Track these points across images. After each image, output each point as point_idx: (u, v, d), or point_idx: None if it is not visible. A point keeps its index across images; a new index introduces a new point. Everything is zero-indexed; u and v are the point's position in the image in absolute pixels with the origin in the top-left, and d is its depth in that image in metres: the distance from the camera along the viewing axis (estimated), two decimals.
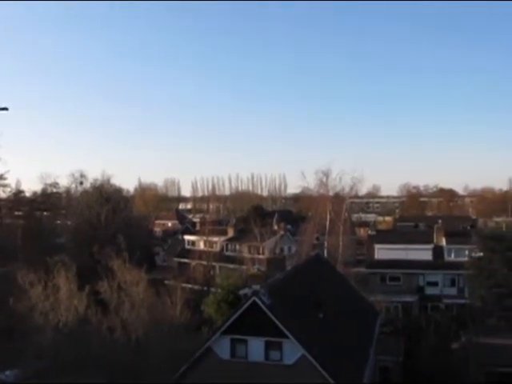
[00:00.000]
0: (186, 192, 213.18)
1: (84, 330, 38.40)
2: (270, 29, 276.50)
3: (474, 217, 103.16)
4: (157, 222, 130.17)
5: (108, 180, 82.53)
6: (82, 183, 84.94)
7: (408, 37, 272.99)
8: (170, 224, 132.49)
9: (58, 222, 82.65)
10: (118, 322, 38.32)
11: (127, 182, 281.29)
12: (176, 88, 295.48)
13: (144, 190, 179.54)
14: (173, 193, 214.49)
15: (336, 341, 28.29)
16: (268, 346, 25.53)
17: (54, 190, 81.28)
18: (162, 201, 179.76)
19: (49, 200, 79.65)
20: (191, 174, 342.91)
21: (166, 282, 63.38)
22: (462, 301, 58.51)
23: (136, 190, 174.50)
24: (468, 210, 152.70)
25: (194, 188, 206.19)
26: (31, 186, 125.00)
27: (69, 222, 79.75)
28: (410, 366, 38.94)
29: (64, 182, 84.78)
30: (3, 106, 77.72)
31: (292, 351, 24.91)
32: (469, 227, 74.18)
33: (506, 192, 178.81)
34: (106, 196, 75.76)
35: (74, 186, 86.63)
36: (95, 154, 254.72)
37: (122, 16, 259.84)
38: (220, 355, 26.12)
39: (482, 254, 52.41)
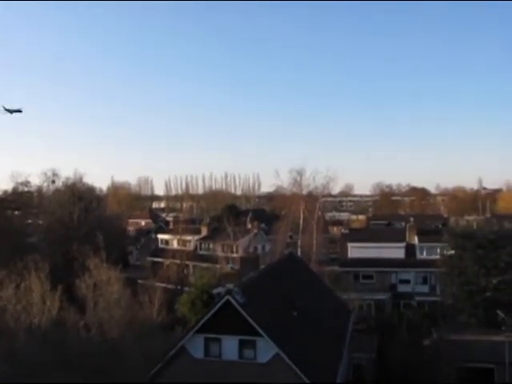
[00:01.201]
0: (160, 191, 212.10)
1: (58, 330, 37.90)
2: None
3: (445, 215, 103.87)
4: (130, 220, 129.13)
5: (80, 179, 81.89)
6: (54, 182, 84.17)
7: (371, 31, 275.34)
8: (143, 223, 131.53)
9: (30, 221, 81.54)
10: (93, 322, 37.97)
11: (100, 181, 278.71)
12: (149, 87, 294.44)
13: (117, 189, 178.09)
14: (146, 191, 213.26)
15: (310, 339, 28.42)
16: (242, 345, 25.55)
17: (26, 189, 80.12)
18: (135, 200, 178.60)
19: (20, 199, 78.43)
20: (165, 172, 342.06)
21: (139, 281, 63.17)
22: (434, 298, 59.17)
23: (109, 188, 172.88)
24: (440, 208, 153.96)
25: (168, 187, 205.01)
26: (2, 185, 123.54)
27: (40, 222, 78.71)
28: (383, 363, 39.29)
29: (36, 180, 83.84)
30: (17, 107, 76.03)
31: (266, 349, 24.96)
32: (440, 225, 74.81)
33: (477, 191, 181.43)
34: (78, 195, 75.04)
35: (45, 184, 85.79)
36: (68, 153, 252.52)
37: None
38: (194, 354, 26.07)
39: (453, 251, 53.01)
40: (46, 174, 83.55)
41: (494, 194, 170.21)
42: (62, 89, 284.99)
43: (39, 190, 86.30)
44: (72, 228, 68.94)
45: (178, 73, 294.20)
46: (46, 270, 41.60)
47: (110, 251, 44.70)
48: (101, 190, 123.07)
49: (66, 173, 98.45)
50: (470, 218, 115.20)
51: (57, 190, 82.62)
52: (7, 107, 72.90)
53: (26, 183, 79.15)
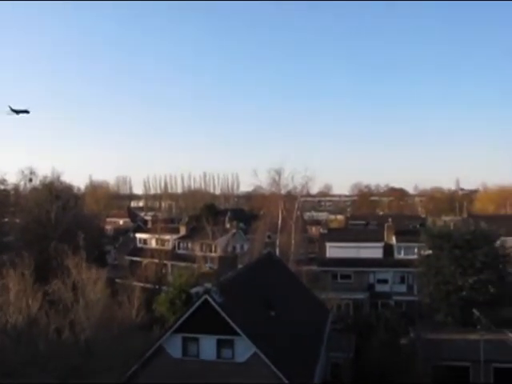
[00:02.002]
0: (138, 190, 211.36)
1: (33, 331, 37.46)
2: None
3: (423, 216, 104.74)
4: (108, 220, 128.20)
5: (58, 177, 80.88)
6: (31, 180, 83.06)
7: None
8: (121, 222, 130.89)
9: (6, 220, 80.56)
10: (70, 322, 37.58)
11: (78, 180, 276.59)
12: (125, 86, 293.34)
13: (95, 188, 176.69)
14: (124, 191, 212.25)
15: (287, 338, 28.47)
16: (220, 344, 25.51)
17: (2, 187, 79.12)
18: (113, 199, 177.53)
19: None
20: (143, 171, 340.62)
21: (117, 280, 62.76)
22: (411, 297, 59.63)
23: (87, 187, 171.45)
24: (418, 208, 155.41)
25: (146, 186, 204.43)
26: None
27: (17, 220, 77.81)
28: (361, 362, 39.47)
29: (13, 179, 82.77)
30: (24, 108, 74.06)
31: (244, 349, 24.96)
32: (418, 226, 75.30)
33: (454, 192, 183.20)
34: (55, 193, 74.18)
35: (22, 183, 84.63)
36: (45, 151, 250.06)
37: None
38: (172, 354, 25.96)
39: (430, 251, 53.46)
40: (23, 172, 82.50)
41: (470, 195, 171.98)
42: (36, 88, 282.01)
43: (16, 188, 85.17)
44: (49, 227, 68.17)
45: (155, 72, 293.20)
46: (29, 268, 41.09)
47: (87, 250, 44.34)
48: (79, 189, 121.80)
49: (44, 171, 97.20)
50: (448, 218, 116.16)
51: (34, 189, 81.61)
52: (14, 108, 71.39)
53: (3, 181, 78.16)
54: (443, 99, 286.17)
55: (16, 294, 39.50)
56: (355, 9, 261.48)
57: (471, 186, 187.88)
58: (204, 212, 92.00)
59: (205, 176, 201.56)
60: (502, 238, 54.03)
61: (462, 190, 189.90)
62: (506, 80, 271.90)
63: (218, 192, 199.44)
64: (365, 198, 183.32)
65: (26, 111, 73.67)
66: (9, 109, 71.15)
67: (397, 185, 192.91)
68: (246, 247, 74.78)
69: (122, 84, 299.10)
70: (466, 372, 37.43)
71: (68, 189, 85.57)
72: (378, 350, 38.71)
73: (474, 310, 48.42)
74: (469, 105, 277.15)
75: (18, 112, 72.00)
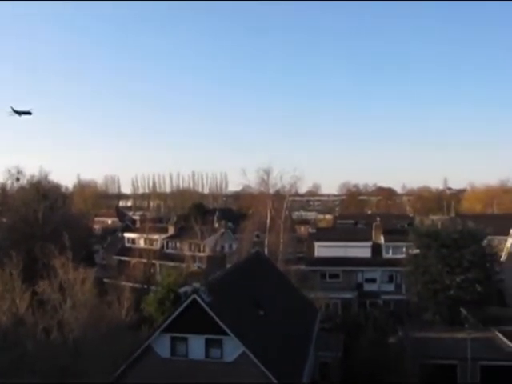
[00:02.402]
0: (126, 189, 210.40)
1: (20, 331, 37.22)
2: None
3: (411, 215, 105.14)
4: (96, 219, 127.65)
5: (46, 176, 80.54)
6: (18, 179, 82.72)
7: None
8: (109, 221, 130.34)
9: None
10: (57, 323, 37.39)
11: (66, 179, 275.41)
12: (113, 85, 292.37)
13: (83, 187, 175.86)
14: (113, 190, 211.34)
15: (276, 338, 28.49)
16: (208, 344, 25.50)
17: None
18: (101, 198, 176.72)
19: None
20: (131, 170, 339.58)
21: (105, 280, 62.57)
22: (400, 296, 59.82)
23: (75, 186, 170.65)
24: (406, 208, 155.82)
25: (135, 185, 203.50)
26: None
27: (4, 220, 77.38)
28: (349, 361, 39.57)
29: None
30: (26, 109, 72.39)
31: (232, 348, 24.96)
32: (406, 225, 75.54)
33: (442, 191, 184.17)
34: (43, 193, 73.83)
35: (9, 182, 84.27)
36: (33, 150, 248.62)
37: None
38: (160, 354, 25.93)
39: (418, 251, 53.60)
40: (9, 171, 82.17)
41: (458, 194, 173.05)
42: (23, 86, 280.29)
43: (3, 187, 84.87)
44: (36, 226, 67.83)
45: (142, 71, 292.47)
46: (16, 268, 40.81)
47: (75, 250, 44.14)
48: (66, 188, 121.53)
49: (31, 170, 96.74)
50: (435, 217, 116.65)
51: (21, 188, 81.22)
52: (16, 109, 69.95)
53: None
54: (431, 99, 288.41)
55: (2, 293, 39.30)
56: (353, 8, 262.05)
57: (459, 185, 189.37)
58: (192, 211, 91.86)
59: (193, 175, 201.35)
60: (489, 237, 54.29)
61: (449, 189, 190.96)
62: (494, 80, 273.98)
63: (206, 191, 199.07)
64: (353, 198, 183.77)
65: (29, 112, 72.14)
66: (11, 110, 69.92)
67: (385, 184, 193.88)
68: (234, 247, 74.76)
69: (109, 83, 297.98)
70: (454, 370, 37.70)
71: (56, 188, 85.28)
72: (366, 349, 38.81)
73: (462, 309, 48.65)
74: (456, 105, 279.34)
75: (20, 113, 70.68)
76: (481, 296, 48.74)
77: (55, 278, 39.53)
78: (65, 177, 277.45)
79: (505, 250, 65.83)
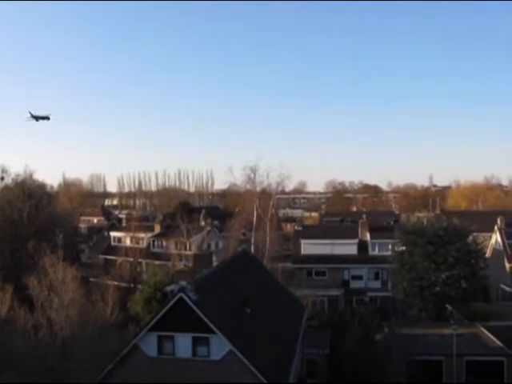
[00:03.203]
0: (112, 188, 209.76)
1: (6, 330, 36.99)
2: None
3: (397, 212, 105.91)
4: (82, 218, 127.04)
5: (31, 175, 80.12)
6: (3, 179, 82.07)
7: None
8: (95, 220, 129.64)
9: None
10: (45, 322, 37.20)
11: (51, 178, 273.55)
12: (97, 83, 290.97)
13: (68, 186, 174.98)
14: (98, 188, 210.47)
15: (263, 336, 28.51)
16: (195, 342, 25.43)
17: None
18: (87, 197, 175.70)
19: None
20: (117, 169, 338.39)
21: (91, 279, 62.28)
22: (386, 293, 60.21)
23: (60, 185, 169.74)
24: (391, 205, 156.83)
25: (120, 184, 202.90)
26: None
27: None
28: (336, 358, 39.71)
29: None
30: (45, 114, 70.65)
31: (219, 347, 24.92)
32: (392, 222, 76.06)
33: (427, 188, 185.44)
34: (28, 192, 73.37)
35: None
36: (18, 149, 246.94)
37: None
38: (147, 352, 25.83)
39: (404, 248, 53.89)
40: None
41: (443, 191, 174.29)
42: (10, 86, 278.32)
43: None
44: (21, 226, 67.44)
45: (127, 70, 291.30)
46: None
47: (62, 249, 43.95)
48: (52, 187, 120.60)
49: (16, 169, 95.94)
50: (421, 214, 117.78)
51: (6, 187, 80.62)
52: (34, 114, 68.68)
53: None
54: (416, 97, 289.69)
55: None
56: (342, 8, 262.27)
57: (444, 182, 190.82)
58: (178, 210, 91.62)
59: (179, 174, 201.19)
60: (474, 234, 54.73)
61: (434, 186, 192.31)
62: (480, 78, 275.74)
63: (192, 190, 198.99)
64: (339, 195, 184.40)
65: (47, 117, 70.97)
66: (29, 115, 68.73)
67: (371, 182, 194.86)
68: (220, 245, 74.73)
69: (94, 83, 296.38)
70: (439, 366, 37.97)
71: (41, 187, 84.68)
72: (352, 346, 38.97)
73: (447, 305, 49.05)
74: (441, 102, 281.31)
75: (37, 118, 69.54)
76: (466, 292, 49.17)
77: (43, 277, 39.30)
78: (50, 176, 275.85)
79: (489, 246, 66.44)
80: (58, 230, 51.27)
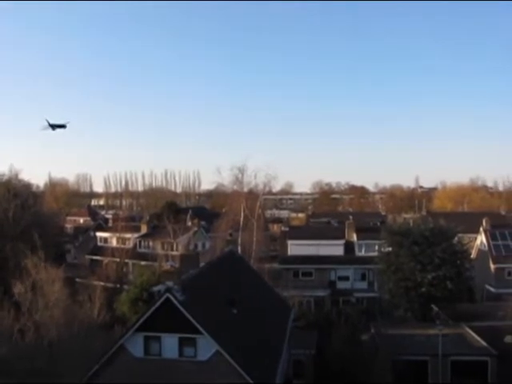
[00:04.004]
0: (99, 188, 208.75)
1: None
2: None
3: (383, 213, 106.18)
4: (68, 218, 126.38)
5: (16, 175, 79.63)
6: None
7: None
8: (81, 220, 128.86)
9: None
10: (31, 324, 36.93)
11: (37, 178, 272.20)
12: (81, 83, 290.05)
13: (54, 186, 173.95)
14: (85, 188, 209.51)
15: (250, 336, 28.52)
16: (182, 343, 25.39)
17: None
18: (73, 197, 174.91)
19: None
20: (104, 169, 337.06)
21: (77, 280, 61.97)
22: (372, 294, 60.45)
23: (46, 185, 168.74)
24: (378, 206, 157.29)
25: (107, 184, 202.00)
26: None
27: None
28: (322, 358, 39.82)
29: None
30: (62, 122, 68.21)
31: (206, 347, 24.90)
32: (378, 223, 76.35)
33: (414, 189, 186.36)
34: (13, 191, 72.83)
35: None
36: (3, 149, 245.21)
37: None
38: (133, 353, 25.75)
39: (390, 248, 54.10)
40: None
41: (429, 193, 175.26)
42: None
43: None
44: (7, 226, 66.95)
45: (112, 69, 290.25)
46: None
47: (46, 249, 43.70)
48: (37, 187, 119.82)
49: (1, 169, 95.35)
50: (407, 215, 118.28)
51: None
52: (51, 122, 66.79)
53: None
54: (402, 98, 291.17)
55: None
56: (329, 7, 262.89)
57: (430, 183, 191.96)
58: (165, 210, 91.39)
59: (166, 174, 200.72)
60: (460, 235, 55.10)
61: (421, 187, 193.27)
62: (467, 78, 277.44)
63: (179, 190, 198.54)
64: (326, 196, 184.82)
65: (64, 126, 69.11)
66: (46, 123, 67.10)
67: (357, 183, 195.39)
68: (207, 245, 74.66)
69: (80, 83, 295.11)
70: (425, 366, 38.22)
71: (26, 187, 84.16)
72: (339, 346, 39.11)
73: (433, 306, 49.31)
74: (427, 104, 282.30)
75: (54, 127, 67.86)
76: (451, 293, 49.44)
77: (28, 278, 39.03)
78: (36, 175, 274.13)
79: (475, 247, 66.91)
80: (44, 230, 50.91)
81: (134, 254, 73.09)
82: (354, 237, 68.01)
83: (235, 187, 75.75)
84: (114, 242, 77.37)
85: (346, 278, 65.24)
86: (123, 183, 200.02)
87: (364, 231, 68.30)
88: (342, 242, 67.30)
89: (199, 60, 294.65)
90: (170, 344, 25.45)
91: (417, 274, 49.90)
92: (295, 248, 66.80)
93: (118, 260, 69.69)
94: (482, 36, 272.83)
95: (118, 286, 60.29)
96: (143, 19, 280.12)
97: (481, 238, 67.09)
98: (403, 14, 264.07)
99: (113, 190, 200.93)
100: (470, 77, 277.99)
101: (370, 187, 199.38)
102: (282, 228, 79.07)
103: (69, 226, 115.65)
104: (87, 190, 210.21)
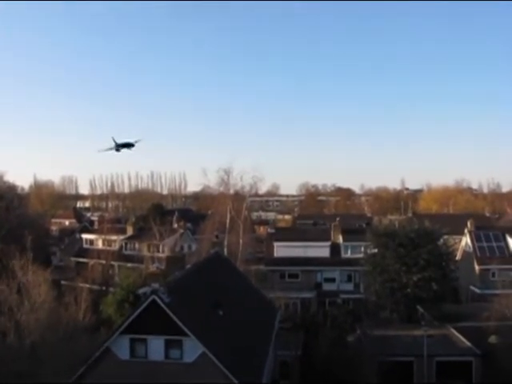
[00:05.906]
0: (84, 190, 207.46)
1: None
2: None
3: (369, 215, 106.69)
4: (53, 220, 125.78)
5: (1, 177, 79.24)
6: None
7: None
8: (67, 223, 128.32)
9: None
10: (12, 326, 36.65)
11: (22, 180, 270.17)
12: (70, 83, 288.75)
13: (40, 188, 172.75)
14: (70, 190, 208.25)
15: (236, 338, 28.57)
16: (168, 345, 25.40)
17: None
18: (58, 199, 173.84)
19: None
20: (89, 171, 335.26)
21: (63, 282, 61.64)
22: (358, 295, 60.54)
23: (31, 187, 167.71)
24: (364, 208, 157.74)
25: (93, 186, 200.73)
26: None
27: None
28: (308, 360, 39.93)
29: None
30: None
31: (192, 349, 24.92)
32: (364, 225, 76.56)
33: (399, 191, 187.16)
34: None
35: None
36: None
37: None
38: (119, 355, 25.71)
39: (376, 250, 54.26)
40: None
41: (415, 194, 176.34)
42: None
43: None
44: None
45: (96, 70, 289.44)
46: None
47: (33, 251, 43.45)
48: (22, 189, 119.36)
49: None
50: (393, 217, 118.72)
51: None
52: (119, 142, 60.21)
53: None
54: (388, 100, 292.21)
55: None
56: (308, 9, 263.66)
57: (416, 185, 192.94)
58: (151, 212, 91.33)
59: (152, 176, 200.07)
60: (445, 237, 55.36)
61: (406, 189, 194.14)
62: (451, 81, 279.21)
63: (165, 192, 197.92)
64: (312, 198, 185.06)
65: (132, 145, 62.56)
66: (113, 143, 60.85)
67: (344, 185, 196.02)
68: (193, 247, 74.48)
69: (65, 83, 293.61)
70: (410, 366, 38.47)
71: (11, 188, 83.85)
72: (325, 348, 39.27)
73: (418, 307, 49.57)
74: (413, 107, 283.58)
75: (119, 147, 61.57)
76: (437, 294, 49.64)
77: (12, 280, 38.75)
78: (21, 177, 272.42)
79: (460, 248, 67.39)
80: (29, 232, 50.60)
81: (120, 256, 72.89)
82: (340, 238, 68.21)
83: (221, 189, 75.64)
84: (99, 244, 77.10)
85: (332, 280, 65.40)
86: (109, 185, 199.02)
87: (350, 233, 68.47)
88: (328, 243, 67.44)
89: (186, 61, 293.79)
90: (156, 346, 25.44)
91: (402, 276, 50.06)
92: (281, 250, 66.88)
93: (103, 262, 69.45)
94: (463, 40, 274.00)
95: (104, 288, 60.02)
96: (127, 19, 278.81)
97: (466, 240, 67.63)
98: (381, 15, 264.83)
99: (98, 192, 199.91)
100: (455, 79, 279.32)
101: (356, 189, 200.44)
102: (269, 230, 78.88)
103: (54, 229, 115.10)
104: (73, 192, 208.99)
